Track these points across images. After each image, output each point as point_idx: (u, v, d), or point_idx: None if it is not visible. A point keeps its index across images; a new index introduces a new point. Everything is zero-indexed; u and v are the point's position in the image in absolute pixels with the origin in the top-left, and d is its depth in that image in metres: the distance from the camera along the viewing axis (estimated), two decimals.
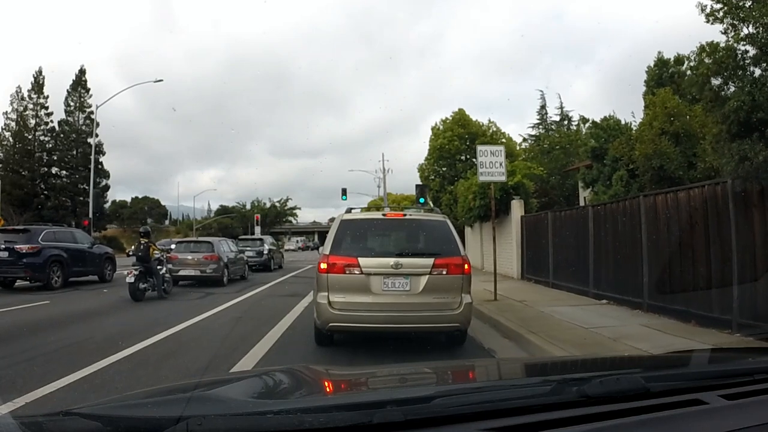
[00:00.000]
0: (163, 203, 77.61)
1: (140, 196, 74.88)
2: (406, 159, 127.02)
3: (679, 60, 19.54)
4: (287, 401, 1.51)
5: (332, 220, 7.79)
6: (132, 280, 11.13)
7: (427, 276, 5.92)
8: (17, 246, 13.48)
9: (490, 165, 10.02)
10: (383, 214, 6.99)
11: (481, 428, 1.19)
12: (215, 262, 15.76)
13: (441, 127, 29.52)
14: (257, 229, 44.19)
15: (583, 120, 20.02)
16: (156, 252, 11.96)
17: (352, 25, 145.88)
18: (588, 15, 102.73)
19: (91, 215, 28.91)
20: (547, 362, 3.00)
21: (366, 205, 49.72)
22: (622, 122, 19.62)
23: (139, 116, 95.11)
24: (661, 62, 19.57)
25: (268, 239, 27.00)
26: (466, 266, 6.11)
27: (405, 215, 6.79)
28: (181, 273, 15.40)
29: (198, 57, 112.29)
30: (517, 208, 15.75)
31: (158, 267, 11.90)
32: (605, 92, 73.76)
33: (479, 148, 10.33)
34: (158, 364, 5.65)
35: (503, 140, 28.88)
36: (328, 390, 1.70)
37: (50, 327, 7.98)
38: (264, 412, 1.24)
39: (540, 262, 13.59)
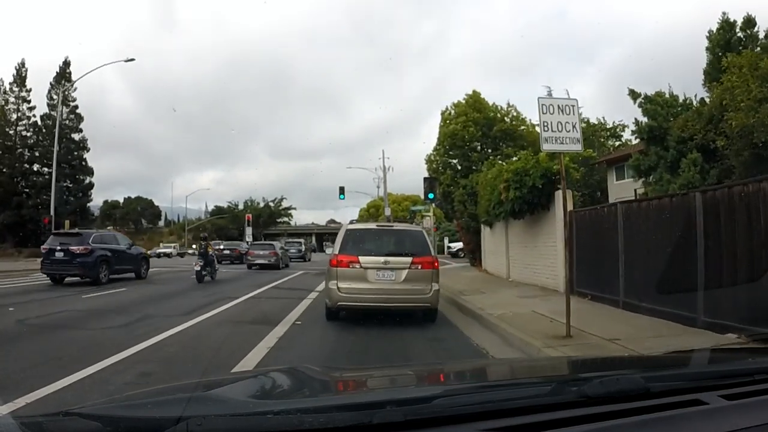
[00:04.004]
0: (157, 204, 74.75)
1: (133, 197, 71.93)
2: (406, 160, 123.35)
3: (749, 21, 16.09)
4: (287, 401, 1.49)
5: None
6: (198, 269, 16.89)
7: (407, 270, 8.14)
8: (71, 247, 15.59)
9: (558, 127, 6.53)
10: (377, 225, 9.60)
11: (482, 428, 1.16)
12: (276, 256, 26.03)
13: (453, 112, 25.83)
14: (248, 230, 41.30)
15: (633, 95, 16.41)
16: (210, 250, 17.82)
17: (352, 26, 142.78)
18: (588, 15, 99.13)
19: (52, 212, 25.35)
20: (548, 362, 3.01)
21: (365, 206, 57.84)
22: (680, 99, 16.13)
23: (139, 117, 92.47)
24: (727, 25, 16.17)
25: (301, 241, 41.81)
26: (435, 264, 8.46)
27: (393, 226, 9.57)
28: (257, 262, 25.65)
29: (198, 57, 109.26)
30: (563, 200, 12.17)
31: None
32: (605, 92, 70.69)
33: (541, 102, 6.69)
34: None
35: (523, 128, 25.31)
36: (328, 390, 1.69)
37: None
38: (264, 412, 1.22)
39: (601, 273, 10.08)
